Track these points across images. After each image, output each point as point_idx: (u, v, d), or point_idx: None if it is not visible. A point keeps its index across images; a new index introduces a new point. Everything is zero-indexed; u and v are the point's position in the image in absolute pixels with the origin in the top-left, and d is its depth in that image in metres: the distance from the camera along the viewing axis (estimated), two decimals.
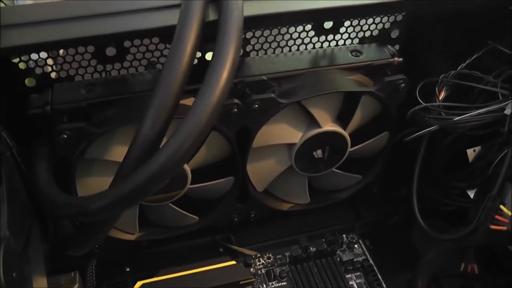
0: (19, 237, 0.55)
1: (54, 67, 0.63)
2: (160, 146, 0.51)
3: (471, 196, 0.73)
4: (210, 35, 0.54)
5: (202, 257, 0.72)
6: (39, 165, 0.59)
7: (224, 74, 0.51)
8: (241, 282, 0.67)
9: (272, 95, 0.64)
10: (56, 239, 0.64)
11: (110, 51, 0.63)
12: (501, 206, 0.63)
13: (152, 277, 0.67)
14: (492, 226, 0.63)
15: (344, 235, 0.80)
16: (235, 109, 0.63)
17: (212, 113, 0.50)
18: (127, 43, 0.62)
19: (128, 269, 0.75)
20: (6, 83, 0.61)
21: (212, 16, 0.56)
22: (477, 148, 0.73)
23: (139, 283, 0.65)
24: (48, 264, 0.64)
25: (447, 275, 0.74)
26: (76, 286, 0.66)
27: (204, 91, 0.50)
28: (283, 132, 0.68)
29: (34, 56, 0.61)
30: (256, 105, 0.63)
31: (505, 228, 0.63)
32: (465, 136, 0.70)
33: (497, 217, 0.63)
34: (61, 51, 0.62)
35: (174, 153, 0.49)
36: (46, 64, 0.62)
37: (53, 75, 0.63)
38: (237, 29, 0.53)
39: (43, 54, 0.61)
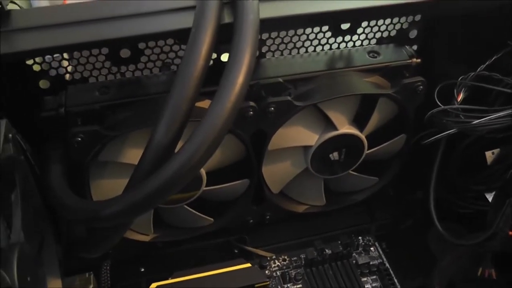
0: (33, 240, 0.55)
1: (68, 69, 0.63)
2: (175, 151, 0.51)
3: (489, 200, 0.71)
4: (225, 37, 0.54)
5: (217, 258, 0.72)
6: (53, 168, 0.58)
7: (240, 79, 0.50)
8: (256, 285, 0.66)
9: (288, 98, 0.63)
10: (70, 242, 0.64)
11: (124, 53, 0.62)
12: None
13: (167, 278, 0.67)
14: (511, 233, 0.62)
15: (360, 238, 0.80)
16: (251, 112, 0.62)
17: (227, 119, 0.49)
18: (141, 45, 0.62)
19: (142, 270, 0.75)
20: (21, 85, 0.61)
21: (227, 19, 0.56)
22: (496, 151, 0.72)
23: (153, 285, 0.65)
24: (62, 266, 0.64)
25: (464, 280, 0.73)
26: (91, 286, 0.66)
27: (220, 96, 0.49)
28: (299, 135, 0.67)
29: (48, 58, 0.61)
30: (272, 108, 0.62)
31: None
32: (485, 138, 0.69)
33: None
34: (75, 53, 0.61)
35: (188, 160, 0.48)
36: (60, 66, 0.62)
37: (67, 77, 0.63)
38: (253, 33, 0.52)
39: (57, 56, 0.61)
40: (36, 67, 0.61)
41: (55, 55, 0.61)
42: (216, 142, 0.49)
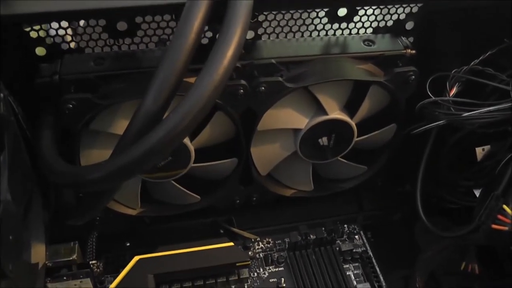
0: (19, 202, 0.56)
1: (65, 38, 0.63)
2: None
3: (477, 195, 0.72)
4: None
5: (203, 237, 0.72)
6: (44, 133, 0.60)
7: (228, 53, 0.50)
8: (237, 264, 0.67)
9: (280, 78, 0.63)
10: (57, 208, 0.65)
11: (121, 26, 0.63)
12: (504, 206, 0.62)
13: (151, 253, 0.68)
14: (494, 226, 0.62)
15: (345, 225, 0.80)
16: (241, 90, 0.63)
17: (213, 91, 0.50)
18: (138, 19, 0.63)
19: (128, 244, 0.76)
20: (18, 51, 0.62)
21: None
22: (487, 147, 0.72)
23: (136, 258, 0.66)
24: (48, 232, 0.65)
25: (447, 273, 0.73)
26: (75, 255, 0.67)
27: (207, 69, 0.50)
28: (289, 117, 0.68)
29: (45, 26, 0.61)
30: (263, 88, 0.63)
31: (506, 228, 0.62)
32: (475, 134, 0.69)
33: (499, 216, 0.62)
34: (72, 23, 0.62)
35: (172, 129, 0.49)
36: (57, 34, 0.63)
37: (64, 46, 0.64)
38: (245, 9, 0.53)
39: (55, 25, 0.62)
40: (33, 34, 0.62)
41: (52, 23, 0.62)
42: (201, 113, 0.50)
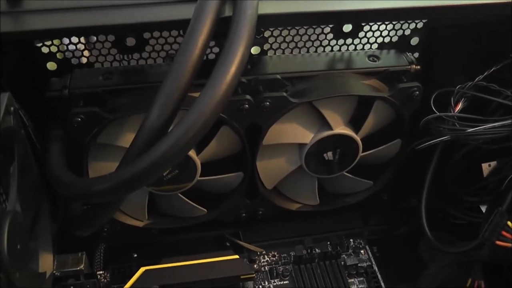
0: (28, 213, 0.57)
1: (75, 53, 0.65)
2: None
3: (483, 211, 0.71)
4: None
5: (209, 250, 0.73)
6: (52, 146, 0.61)
7: (232, 69, 0.52)
8: (242, 276, 0.68)
9: (284, 94, 0.64)
10: (65, 220, 0.66)
11: (130, 41, 0.64)
12: (509, 223, 0.62)
13: (158, 264, 0.69)
14: (498, 242, 0.62)
15: (351, 240, 0.80)
16: (246, 105, 0.64)
17: (215, 106, 0.51)
18: (146, 35, 0.64)
19: (135, 255, 0.77)
20: (29, 66, 0.64)
21: (228, 13, 0.57)
22: (493, 163, 0.72)
23: (142, 269, 0.67)
24: (56, 243, 0.66)
25: None
26: (82, 265, 0.68)
27: (210, 85, 0.51)
28: (295, 132, 0.69)
29: (57, 41, 0.63)
30: (267, 103, 0.64)
31: (510, 245, 0.62)
32: (482, 150, 0.69)
33: (503, 233, 0.62)
34: (82, 39, 0.64)
35: (175, 143, 0.50)
36: (67, 50, 0.64)
37: (74, 61, 0.65)
38: (249, 27, 0.54)
39: (65, 40, 0.64)
40: (45, 49, 0.63)
41: (63, 39, 0.63)
42: (204, 128, 0.51)
